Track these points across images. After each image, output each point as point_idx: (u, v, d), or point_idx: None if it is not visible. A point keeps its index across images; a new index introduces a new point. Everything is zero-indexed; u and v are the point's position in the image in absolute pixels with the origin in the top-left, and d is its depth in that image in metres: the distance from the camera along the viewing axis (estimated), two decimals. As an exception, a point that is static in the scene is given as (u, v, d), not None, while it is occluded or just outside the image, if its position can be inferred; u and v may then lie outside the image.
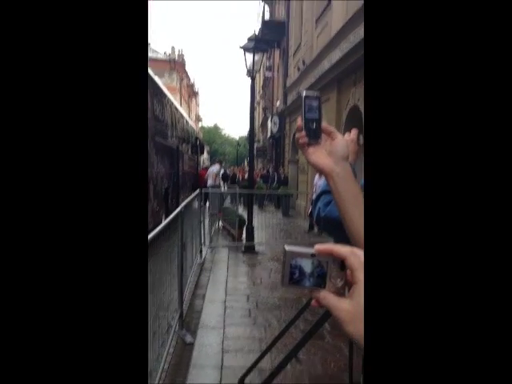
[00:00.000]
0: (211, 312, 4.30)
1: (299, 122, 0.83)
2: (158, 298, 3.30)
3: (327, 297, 0.58)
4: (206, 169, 15.18)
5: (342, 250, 0.58)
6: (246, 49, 7.40)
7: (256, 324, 4.03)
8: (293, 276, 0.59)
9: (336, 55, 9.62)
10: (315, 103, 0.84)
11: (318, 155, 0.84)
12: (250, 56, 7.51)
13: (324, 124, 0.84)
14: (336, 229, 1.05)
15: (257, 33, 7.78)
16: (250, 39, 7.46)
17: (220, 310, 4.34)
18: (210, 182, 12.60)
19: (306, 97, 0.84)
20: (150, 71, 7.96)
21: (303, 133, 0.83)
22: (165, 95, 9.31)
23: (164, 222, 3.35)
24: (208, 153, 48.74)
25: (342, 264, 0.58)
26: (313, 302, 0.60)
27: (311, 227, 9.87)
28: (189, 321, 4.06)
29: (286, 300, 4.77)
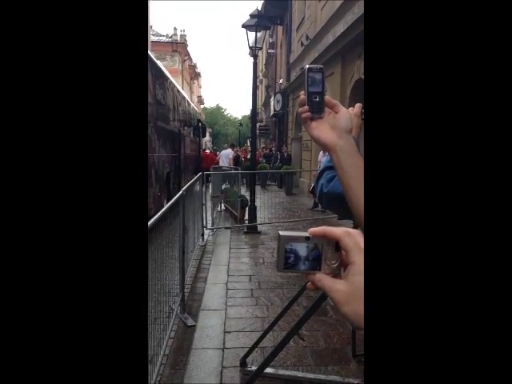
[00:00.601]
0: (213, 294, 4.29)
1: (302, 96, 0.82)
2: (160, 283, 3.29)
3: (322, 279, 0.58)
4: (209, 151, 15.11)
5: (336, 231, 0.58)
6: (247, 26, 7.20)
7: (258, 304, 4.02)
8: (288, 260, 0.59)
9: (340, 28, 9.42)
10: (318, 76, 0.82)
11: (321, 129, 0.82)
12: (252, 34, 7.33)
13: (327, 97, 0.83)
14: (339, 205, 1.04)
15: (259, 9, 7.53)
16: (252, 16, 7.26)
17: (222, 292, 4.34)
18: (224, 164, 12.70)
19: (309, 69, 0.82)
20: (151, 55, 7.84)
21: (306, 107, 0.81)
22: (167, 78, 9.19)
23: (166, 206, 3.31)
24: (210, 135, 48.50)
25: (336, 245, 0.58)
26: (308, 285, 0.61)
27: (315, 205, 9.81)
28: (190, 304, 4.05)
29: (289, 278, 4.76)
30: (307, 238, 0.59)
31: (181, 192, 3.89)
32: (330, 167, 1.29)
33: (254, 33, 7.13)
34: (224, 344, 3.22)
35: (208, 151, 22.53)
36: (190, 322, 3.65)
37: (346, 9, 9.01)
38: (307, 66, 0.83)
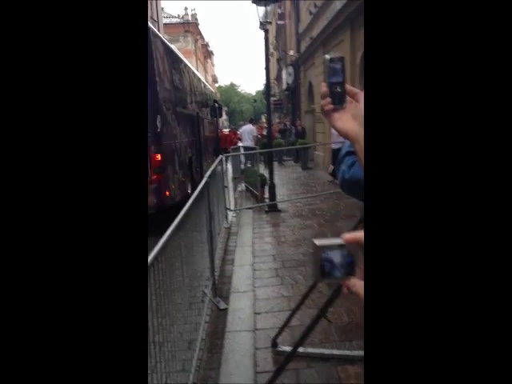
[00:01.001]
0: (241, 276, 4.53)
1: (323, 87, 0.80)
2: (191, 268, 3.51)
3: (357, 284, 0.62)
4: (229, 130, 15.12)
5: None
6: (257, 1, 7.22)
7: (283, 283, 4.24)
8: (324, 269, 0.62)
9: (349, -7, 9.28)
10: (339, 66, 0.80)
11: (344, 120, 0.81)
12: (261, 9, 7.35)
13: (348, 86, 0.81)
14: (361, 190, 1.03)
15: None
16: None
17: (249, 273, 4.57)
18: (247, 143, 12.30)
19: (329, 60, 0.80)
20: (166, 40, 7.90)
21: (328, 99, 0.80)
22: (182, 62, 9.26)
23: (192, 196, 3.46)
24: (226, 113, 48.34)
25: None
26: (344, 290, 0.64)
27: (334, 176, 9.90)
28: (221, 287, 4.30)
29: (311, 255, 4.94)
30: (341, 246, 0.61)
31: (205, 179, 4.08)
32: (350, 152, 1.30)
33: (264, 7, 7.13)
34: (255, 325, 3.46)
35: (226, 130, 22.48)
36: (222, 305, 3.90)
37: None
38: (327, 57, 0.80)
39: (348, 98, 0.81)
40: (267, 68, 7.91)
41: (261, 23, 7.43)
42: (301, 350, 2.98)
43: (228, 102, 59.32)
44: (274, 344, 3.11)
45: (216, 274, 4.36)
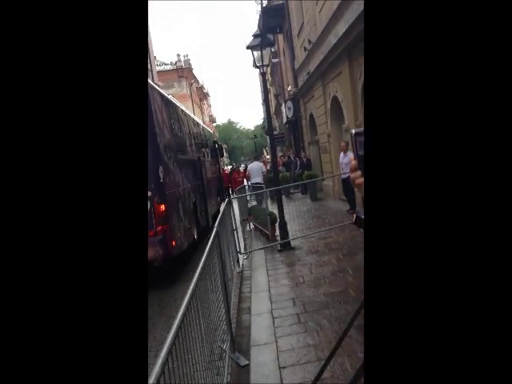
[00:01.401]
0: (260, 326, 4.21)
1: (353, 161, 0.83)
2: (206, 322, 3.24)
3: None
4: (230, 169, 15.04)
5: None
6: (252, 47, 7.21)
7: (307, 330, 3.92)
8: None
9: (342, 27, 9.34)
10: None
11: None
12: (257, 53, 7.34)
13: None
14: None
15: (257, 22, 7.53)
16: (255, 36, 7.27)
17: (268, 322, 4.25)
18: (257, 180, 12.24)
19: (355, 134, 0.83)
20: (161, 91, 7.92)
21: (359, 172, 0.81)
22: (180, 109, 9.26)
23: (204, 254, 3.23)
24: (226, 150, 48.78)
25: None
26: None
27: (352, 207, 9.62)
28: (239, 340, 3.99)
29: (333, 295, 4.64)
30: None
31: (215, 229, 3.85)
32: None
33: (259, 51, 7.11)
34: (282, 382, 3.14)
35: (228, 168, 22.44)
36: (242, 361, 3.58)
37: (345, 8, 8.92)
38: (353, 131, 0.83)
39: None
40: (267, 107, 7.83)
41: (257, 67, 7.40)
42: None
43: (227, 139, 60.08)
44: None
45: (233, 326, 4.05)
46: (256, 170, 12.77)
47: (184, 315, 2.25)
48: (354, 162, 0.83)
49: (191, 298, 2.52)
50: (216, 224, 4.14)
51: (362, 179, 0.80)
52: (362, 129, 0.82)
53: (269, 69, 28.35)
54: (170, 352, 1.82)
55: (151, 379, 1.48)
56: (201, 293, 3.03)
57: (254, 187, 11.84)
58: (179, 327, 2.11)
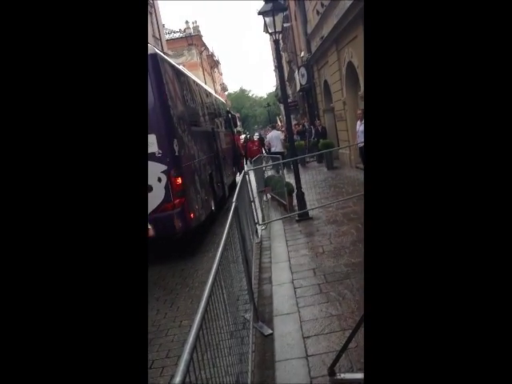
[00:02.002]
0: (282, 296, 4.26)
1: None
2: (229, 292, 3.28)
3: None
4: (244, 139, 14.92)
5: None
6: (264, 13, 6.99)
7: (329, 300, 3.95)
8: None
9: (357, -11, 9.01)
10: None
11: None
12: (268, 18, 7.11)
13: None
14: None
15: None
16: (266, 0, 7.04)
17: (290, 292, 4.30)
18: (277, 149, 12.07)
19: None
20: (173, 62, 7.80)
21: None
22: (192, 80, 9.14)
23: (225, 230, 3.23)
24: (239, 119, 48.42)
25: None
26: None
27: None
28: (262, 310, 4.05)
29: (354, 265, 4.66)
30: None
31: (234, 204, 3.85)
32: None
33: (272, 17, 6.89)
34: (306, 351, 3.19)
35: (242, 137, 22.21)
36: (266, 330, 3.64)
37: (360, -31, 8.58)
38: None
39: None
40: (281, 71, 7.67)
41: (270, 34, 7.19)
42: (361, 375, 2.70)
43: (240, 108, 59.47)
44: (332, 373, 2.83)
45: (255, 296, 4.10)
46: (276, 138, 12.59)
47: (211, 289, 2.28)
48: None
49: (216, 272, 2.54)
50: (234, 199, 4.13)
51: None
52: None
53: (281, 34, 27.72)
54: (201, 325, 1.84)
55: (187, 347, 1.50)
56: (223, 265, 3.05)
57: (274, 157, 11.68)
58: (208, 300, 2.14)
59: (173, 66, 7.44)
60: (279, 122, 39.18)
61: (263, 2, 6.97)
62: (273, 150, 12.27)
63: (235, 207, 3.80)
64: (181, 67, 8.64)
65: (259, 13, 6.97)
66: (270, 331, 3.62)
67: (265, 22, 7.04)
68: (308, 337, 3.39)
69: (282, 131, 19.01)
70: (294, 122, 24.37)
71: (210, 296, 2.20)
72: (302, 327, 3.55)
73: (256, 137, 21.51)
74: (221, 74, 58.20)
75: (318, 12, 13.64)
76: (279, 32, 7.08)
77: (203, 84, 11.83)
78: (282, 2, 22.22)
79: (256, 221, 6.91)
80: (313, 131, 16.42)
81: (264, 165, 10.43)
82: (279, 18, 6.98)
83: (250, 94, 70.09)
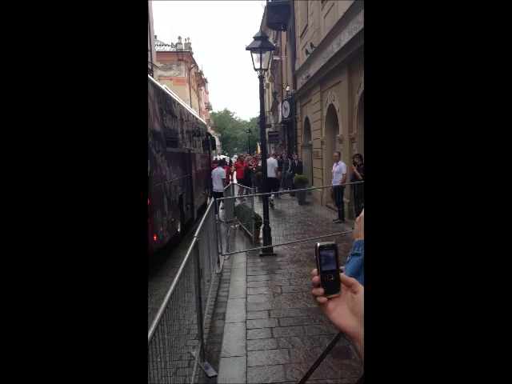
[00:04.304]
0: (232, 336, 4.19)
1: (315, 277, 0.76)
2: (181, 327, 3.19)
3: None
4: (218, 162, 14.90)
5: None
6: (252, 49, 7.06)
7: (279, 347, 3.90)
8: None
9: (345, 37, 9.28)
10: (331, 253, 0.78)
11: (340, 314, 0.75)
12: (255, 54, 7.18)
13: (343, 275, 0.78)
14: None
15: (262, 16, 7.34)
16: (255, 38, 7.11)
17: (241, 333, 4.24)
18: (271, 174, 12.09)
19: (320, 248, 0.78)
20: (154, 81, 7.77)
21: (321, 289, 0.75)
22: (174, 101, 9.10)
23: (180, 268, 3.15)
24: (220, 139, 48.47)
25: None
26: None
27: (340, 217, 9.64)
28: (210, 348, 3.96)
29: (309, 312, 4.64)
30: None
31: (195, 239, 3.79)
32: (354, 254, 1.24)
33: (259, 54, 6.99)
34: (247, 400, 3.12)
35: (222, 157, 21.99)
36: (211, 372, 3.55)
37: (350, 17, 8.86)
38: (318, 244, 0.78)
39: (342, 286, 0.77)
40: (262, 107, 7.72)
41: (256, 70, 7.25)
42: None
43: (222, 128, 59.76)
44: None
45: (205, 331, 4.01)
46: (270, 165, 12.68)
47: (158, 324, 2.23)
48: (315, 277, 0.76)
49: (166, 307, 2.48)
50: (196, 233, 4.07)
51: (323, 298, 0.76)
52: (328, 242, 0.80)
53: (269, 63, 28.26)
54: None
55: None
56: (177, 296, 2.97)
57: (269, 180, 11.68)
58: (154, 334, 2.08)
59: (155, 86, 7.41)
60: (259, 149, 39.44)
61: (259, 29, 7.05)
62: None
63: (195, 242, 3.75)
64: (164, 86, 8.62)
65: (247, 48, 7.04)
66: (215, 373, 3.53)
67: (252, 57, 7.12)
68: (251, 385, 3.32)
69: (253, 158, 19.09)
70: (272, 152, 24.61)
71: (155, 331, 2.14)
72: (246, 373, 3.48)
73: (234, 159, 21.45)
74: (207, 93, 58.53)
75: (306, 51, 13.96)
76: (265, 69, 7.16)
77: (186, 105, 11.82)
78: (275, 38, 22.70)
79: (219, 251, 6.85)
80: (289, 163, 16.58)
81: (236, 196, 10.43)
82: (267, 55, 7.07)
83: (234, 117, 70.54)
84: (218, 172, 12.12)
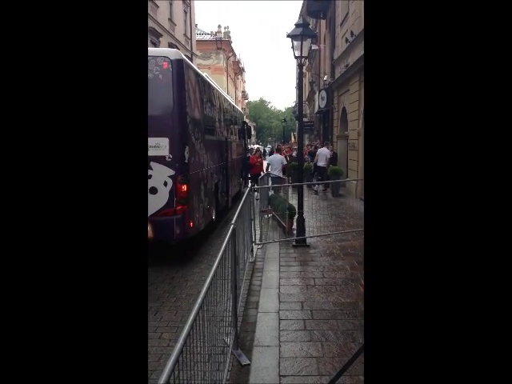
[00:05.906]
0: (266, 326, 4.21)
1: None
2: (216, 314, 3.23)
3: None
4: (256, 154, 14.87)
5: None
6: (293, 36, 7.00)
7: (312, 339, 3.90)
8: None
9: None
10: None
11: None
12: (296, 42, 7.11)
13: None
14: None
15: (301, 5, 7.30)
16: (297, 25, 7.05)
17: (274, 323, 4.25)
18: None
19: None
20: (197, 69, 7.82)
21: None
22: (214, 89, 9.16)
23: (219, 254, 3.20)
24: (254, 129, 48.47)
25: None
26: None
27: None
28: (243, 337, 4.00)
29: (342, 306, 4.61)
30: None
31: (232, 226, 3.82)
32: None
33: (300, 42, 6.91)
34: (280, 391, 3.14)
35: (254, 147, 21.95)
36: (244, 360, 3.59)
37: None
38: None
39: None
40: (300, 97, 7.67)
41: (296, 58, 7.18)
42: None
43: (257, 117, 59.72)
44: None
45: (238, 320, 4.05)
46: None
47: (198, 311, 2.27)
48: None
49: (205, 295, 2.52)
50: (233, 220, 4.10)
51: None
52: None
53: (307, 52, 27.91)
54: (181, 350, 1.80)
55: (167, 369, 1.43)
56: (213, 284, 3.01)
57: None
58: (192, 326, 2.11)
59: (197, 74, 7.46)
60: (293, 139, 39.18)
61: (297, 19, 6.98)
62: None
63: (233, 230, 3.77)
64: (205, 74, 8.66)
65: (288, 35, 6.98)
66: (248, 362, 3.57)
67: (292, 44, 7.05)
68: (284, 376, 3.34)
69: (288, 148, 18.89)
70: (306, 143, 24.41)
71: (195, 318, 2.18)
72: (280, 364, 3.50)
73: (268, 148, 21.25)
74: (244, 82, 58.50)
75: (346, 40, 13.70)
76: (305, 57, 7.07)
77: (224, 93, 11.87)
78: (314, 26, 22.39)
79: (253, 239, 6.88)
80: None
81: (270, 185, 10.42)
82: (307, 43, 6.98)
83: (269, 106, 70.40)
84: (277, 159, 12.37)
